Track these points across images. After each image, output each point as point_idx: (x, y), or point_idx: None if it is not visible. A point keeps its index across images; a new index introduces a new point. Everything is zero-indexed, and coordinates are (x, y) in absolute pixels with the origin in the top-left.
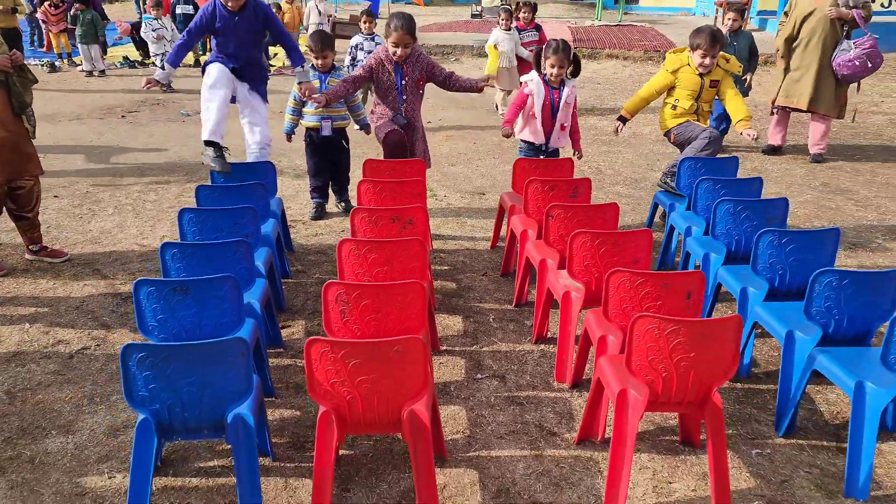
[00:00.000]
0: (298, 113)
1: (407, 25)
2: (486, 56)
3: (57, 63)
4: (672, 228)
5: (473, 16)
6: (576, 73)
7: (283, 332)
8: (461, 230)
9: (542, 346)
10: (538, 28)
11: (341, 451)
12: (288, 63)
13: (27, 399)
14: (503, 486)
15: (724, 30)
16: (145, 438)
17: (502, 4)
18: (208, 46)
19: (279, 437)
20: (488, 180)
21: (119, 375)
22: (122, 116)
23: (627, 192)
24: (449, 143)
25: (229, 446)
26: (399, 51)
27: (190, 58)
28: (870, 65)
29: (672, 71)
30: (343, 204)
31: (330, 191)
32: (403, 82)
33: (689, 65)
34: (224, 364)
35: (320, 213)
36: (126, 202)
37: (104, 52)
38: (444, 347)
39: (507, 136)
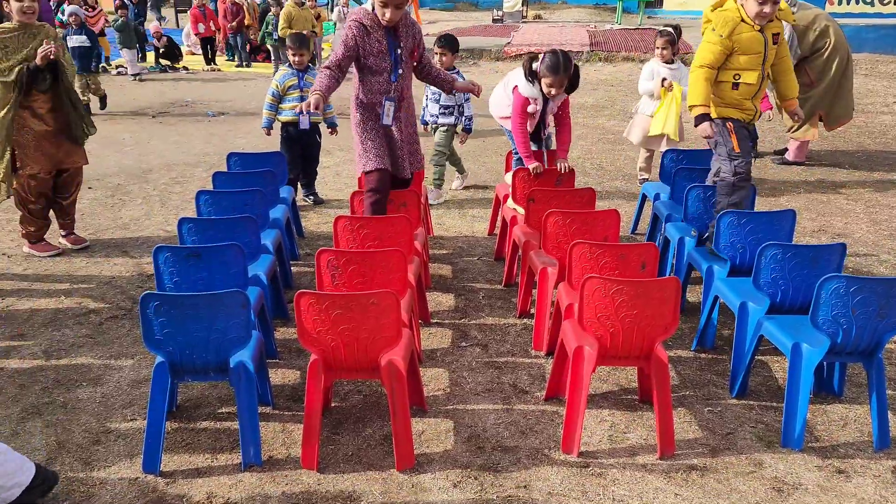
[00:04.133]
0: (276, 108)
1: None
2: (505, 59)
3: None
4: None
5: (494, 20)
6: (572, 88)
7: (290, 307)
8: (462, 220)
9: (525, 321)
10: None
11: (333, 404)
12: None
13: (61, 357)
14: (474, 433)
15: None
16: (161, 378)
17: (663, 27)
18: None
19: (280, 391)
20: (493, 175)
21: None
22: (153, 116)
23: (625, 187)
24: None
25: (234, 396)
26: (389, 12)
27: (194, 61)
28: None
29: (727, 35)
30: (312, 197)
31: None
32: (399, 50)
33: (743, 21)
34: (227, 313)
35: None
36: (153, 193)
37: (141, 57)
38: (435, 320)
39: (540, 173)
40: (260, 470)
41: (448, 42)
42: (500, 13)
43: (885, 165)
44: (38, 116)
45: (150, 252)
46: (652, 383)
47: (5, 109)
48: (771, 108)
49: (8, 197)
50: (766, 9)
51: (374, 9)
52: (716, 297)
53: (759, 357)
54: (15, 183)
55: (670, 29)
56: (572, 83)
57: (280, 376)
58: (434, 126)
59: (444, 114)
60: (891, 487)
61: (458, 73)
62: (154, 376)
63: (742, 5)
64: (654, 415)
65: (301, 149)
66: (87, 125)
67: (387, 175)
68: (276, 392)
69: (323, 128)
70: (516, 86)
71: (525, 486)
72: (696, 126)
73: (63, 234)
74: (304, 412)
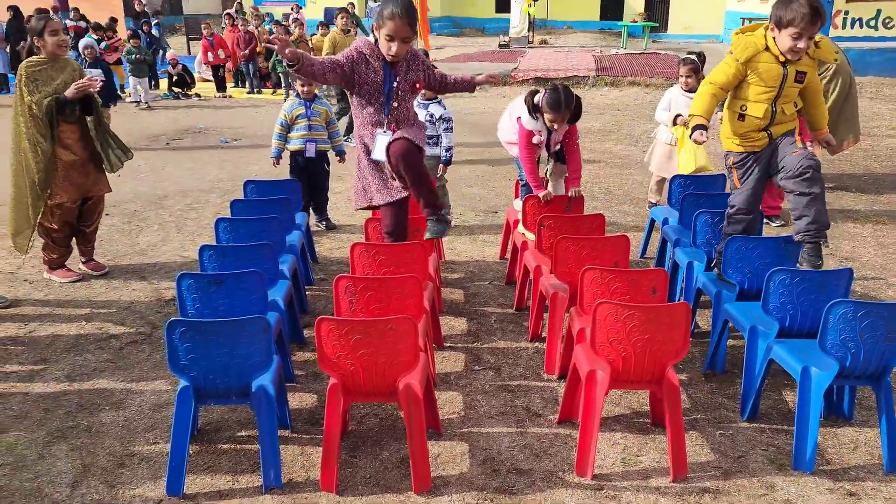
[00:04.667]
0: (284, 138)
1: (406, 11)
2: (513, 84)
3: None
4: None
5: (501, 46)
6: (574, 119)
7: (305, 332)
8: (473, 244)
9: (537, 344)
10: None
11: (351, 426)
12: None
13: (84, 381)
14: (489, 456)
15: None
16: (185, 402)
17: (687, 54)
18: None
19: (298, 414)
20: (503, 199)
21: (162, 363)
22: (167, 144)
23: (633, 211)
24: (468, 166)
25: (254, 420)
26: (395, 47)
27: (207, 88)
28: None
29: (744, 61)
30: (324, 222)
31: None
32: (395, 84)
33: (767, 49)
34: (249, 338)
35: None
36: (169, 219)
37: (154, 84)
38: (448, 344)
39: (550, 200)
40: (280, 492)
41: None
42: (506, 38)
43: (892, 189)
44: (66, 147)
45: (168, 277)
46: (664, 407)
47: (42, 148)
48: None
49: (28, 251)
50: (801, 44)
51: (376, 42)
52: (725, 322)
53: (770, 380)
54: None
55: (693, 56)
56: (575, 114)
57: (297, 400)
58: None
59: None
60: None
61: (439, 101)
62: (178, 400)
63: (774, 38)
64: (666, 438)
65: (309, 177)
66: (123, 150)
67: (389, 209)
68: (294, 415)
69: (332, 155)
70: (520, 117)
71: None
72: (690, 134)
73: (83, 260)
74: (322, 435)
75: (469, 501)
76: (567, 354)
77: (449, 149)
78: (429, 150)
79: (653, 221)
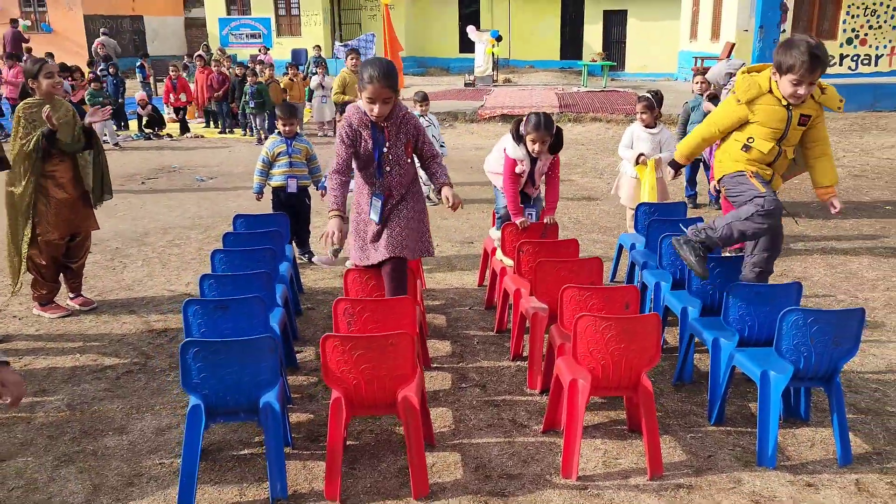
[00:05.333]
0: (266, 174)
1: (384, 74)
2: (479, 121)
3: None
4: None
5: (467, 84)
6: (556, 149)
7: (297, 357)
8: (451, 272)
9: (519, 363)
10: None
11: (349, 442)
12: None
13: (85, 410)
14: (481, 463)
15: (693, 94)
16: (196, 418)
17: (644, 93)
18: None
19: (297, 432)
20: (477, 231)
21: (160, 391)
22: (142, 183)
23: (602, 239)
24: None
25: (258, 439)
26: (377, 108)
27: (212, 131)
28: None
29: (747, 101)
30: (307, 255)
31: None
32: (385, 149)
33: (771, 92)
34: (257, 357)
35: None
36: (153, 255)
37: (123, 125)
38: (435, 365)
39: (527, 226)
40: (287, 503)
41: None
42: (471, 77)
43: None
44: (60, 185)
45: (156, 311)
46: (640, 411)
47: (25, 182)
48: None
49: (18, 290)
50: (801, 90)
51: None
52: (691, 336)
53: (733, 389)
54: (30, 255)
55: (649, 95)
56: (556, 143)
57: (295, 419)
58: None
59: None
60: (854, 497)
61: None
62: (189, 418)
63: (776, 81)
64: (642, 442)
65: (291, 212)
66: (105, 191)
67: (387, 267)
68: (293, 431)
69: (313, 190)
70: (505, 148)
71: None
72: (668, 164)
73: (71, 296)
74: (321, 451)
75: None
76: (548, 370)
77: None
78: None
79: (621, 247)
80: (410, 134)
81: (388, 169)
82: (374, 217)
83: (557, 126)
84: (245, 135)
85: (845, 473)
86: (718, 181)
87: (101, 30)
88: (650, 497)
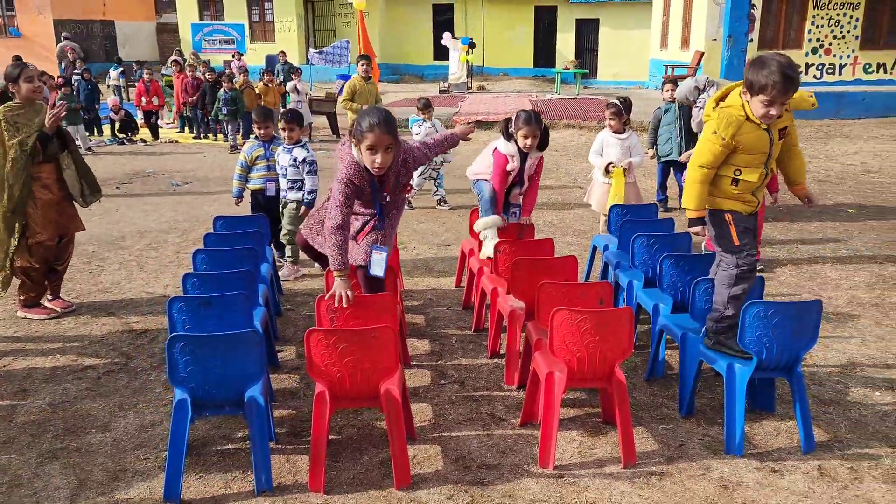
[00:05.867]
0: (245, 178)
1: (384, 120)
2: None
3: None
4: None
5: (441, 91)
6: (543, 146)
7: (278, 356)
8: (429, 274)
9: (496, 360)
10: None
11: (331, 436)
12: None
13: (67, 408)
14: (461, 455)
15: (664, 101)
16: (182, 411)
17: (613, 100)
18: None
19: (280, 427)
20: (453, 234)
21: (142, 389)
22: (117, 188)
23: (576, 241)
24: (416, 201)
25: (241, 434)
26: (379, 158)
27: (187, 136)
28: None
29: (731, 137)
30: (284, 258)
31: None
32: (386, 202)
33: (748, 119)
34: (243, 351)
35: None
36: (130, 258)
37: (97, 130)
38: (414, 363)
39: (503, 226)
40: (272, 494)
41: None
42: (446, 84)
43: (803, 217)
44: (45, 187)
45: (136, 312)
46: (614, 402)
47: (18, 183)
48: (778, 191)
49: (6, 290)
50: (773, 111)
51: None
52: (661, 332)
53: (702, 383)
54: (19, 258)
55: (617, 101)
56: (543, 140)
57: (277, 415)
58: (284, 202)
59: (291, 189)
60: (817, 481)
61: (303, 145)
62: (175, 411)
63: (747, 101)
64: (616, 433)
65: (269, 214)
66: (93, 190)
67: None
68: (276, 426)
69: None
70: (496, 147)
71: (510, 496)
72: (689, 227)
73: (50, 298)
74: (305, 446)
75: (446, 493)
76: (525, 366)
77: (312, 192)
78: (292, 195)
79: (595, 248)
80: (409, 174)
81: (389, 216)
82: (379, 272)
83: (545, 125)
84: (217, 140)
85: (809, 460)
86: (716, 212)
87: (63, 34)
88: (624, 484)
